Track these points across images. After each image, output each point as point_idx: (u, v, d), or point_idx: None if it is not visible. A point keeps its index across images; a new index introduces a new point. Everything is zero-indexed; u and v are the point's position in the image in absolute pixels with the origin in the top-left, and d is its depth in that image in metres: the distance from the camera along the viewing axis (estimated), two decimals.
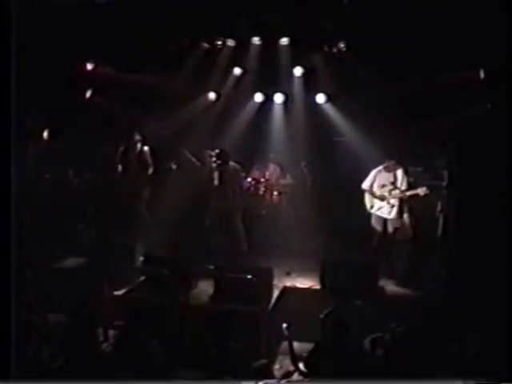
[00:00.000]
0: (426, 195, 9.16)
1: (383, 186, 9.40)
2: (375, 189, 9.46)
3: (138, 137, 10.44)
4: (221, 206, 10.11)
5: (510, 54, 7.67)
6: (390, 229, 9.40)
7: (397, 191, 9.31)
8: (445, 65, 9.47)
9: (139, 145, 10.47)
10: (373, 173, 9.53)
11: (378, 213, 9.46)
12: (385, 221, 9.43)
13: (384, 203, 9.39)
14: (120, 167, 10.47)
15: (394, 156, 9.38)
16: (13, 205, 5.48)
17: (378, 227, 9.45)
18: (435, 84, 9.59)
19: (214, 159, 9.95)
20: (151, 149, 10.49)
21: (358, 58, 10.29)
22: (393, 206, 9.36)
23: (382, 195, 9.38)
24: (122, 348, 5.57)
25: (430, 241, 9.73)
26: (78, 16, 9.51)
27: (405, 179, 9.34)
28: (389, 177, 9.39)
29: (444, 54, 9.39)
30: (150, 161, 10.48)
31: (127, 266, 8.57)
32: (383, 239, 9.43)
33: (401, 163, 9.38)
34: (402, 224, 9.59)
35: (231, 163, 10.06)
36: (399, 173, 9.35)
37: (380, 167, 9.47)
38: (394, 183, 9.34)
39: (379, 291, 8.30)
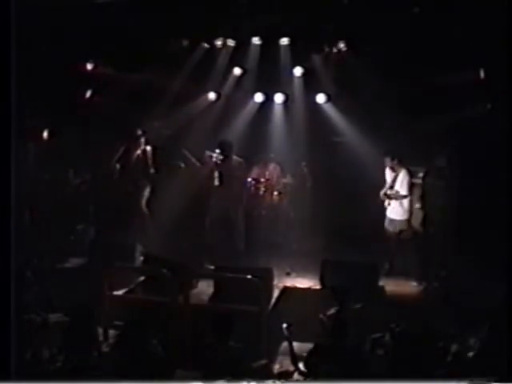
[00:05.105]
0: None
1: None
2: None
3: (141, 136, 10.21)
4: (221, 205, 10.10)
5: (510, 53, 7.67)
6: (396, 229, 9.34)
7: (393, 192, 9.20)
8: (445, 65, 9.47)
9: (142, 144, 10.23)
10: (386, 170, 9.44)
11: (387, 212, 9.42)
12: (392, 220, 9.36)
13: (386, 203, 9.34)
14: (118, 166, 10.23)
15: (396, 155, 9.28)
16: (13, 205, 5.47)
17: (389, 227, 9.39)
18: (435, 84, 9.59)
19: (218, 152, 9.84)
20: (153, 148, 10.25)
21: (358, 58, 10.29)
22: (390, 206, 9.28)
23: (383, 194, 9.35)
24: (122, 348, 5.56)
25: (430, 241, 9.72)
26: (77, 16, 9.51)
27: (405, 181, 9.19)
28: (391, 176, 9.32)
29: (444, 54, 9.39)
30: (150, 161, 10.21)
31: (127, 266, 8.57)
32: (389, 239, 9.41)
33: (402, 163, 9.30)
34: (407, 224, 9.40)
35: (234, 157, 10.04)
36: (401, 174, 9.21)
37: (388, 165, 9.35)
38: (392, 184, 9.24)
39: (379, 291, 8.29)
